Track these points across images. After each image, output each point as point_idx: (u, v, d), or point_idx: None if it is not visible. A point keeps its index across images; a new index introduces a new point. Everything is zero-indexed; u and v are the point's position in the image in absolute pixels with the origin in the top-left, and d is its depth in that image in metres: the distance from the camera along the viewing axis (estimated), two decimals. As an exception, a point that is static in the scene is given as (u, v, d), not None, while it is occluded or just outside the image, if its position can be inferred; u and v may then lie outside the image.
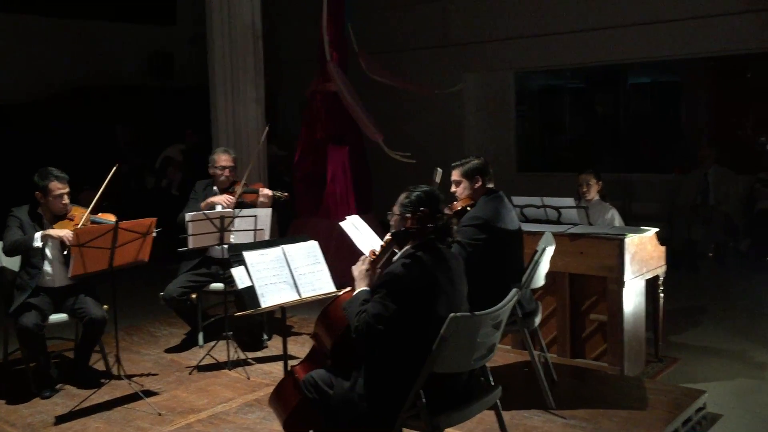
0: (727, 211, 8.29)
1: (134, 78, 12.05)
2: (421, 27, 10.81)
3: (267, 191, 5.53)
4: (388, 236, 3.23)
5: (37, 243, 4.57)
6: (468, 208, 4.20)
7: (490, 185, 4.27)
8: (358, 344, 3.03)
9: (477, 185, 4.23)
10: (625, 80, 11.16)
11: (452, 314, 2.85)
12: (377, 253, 3.25)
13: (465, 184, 4.25)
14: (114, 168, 4.81)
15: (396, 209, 3.21)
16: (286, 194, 5.62)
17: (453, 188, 4.32)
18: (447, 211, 4.25)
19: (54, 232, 4.59)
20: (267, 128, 5.86)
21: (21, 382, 4.75)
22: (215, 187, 5.65)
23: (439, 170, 4.29)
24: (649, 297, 5.13)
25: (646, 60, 9.83)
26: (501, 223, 4.12)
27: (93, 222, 4.69)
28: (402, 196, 3.22)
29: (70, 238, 4.49)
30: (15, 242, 4.60)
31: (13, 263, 4.85)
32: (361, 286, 3.17)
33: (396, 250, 3.23)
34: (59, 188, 4.68)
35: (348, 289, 3.33)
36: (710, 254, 8.34)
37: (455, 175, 4.30)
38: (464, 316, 2.90)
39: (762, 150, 8.57)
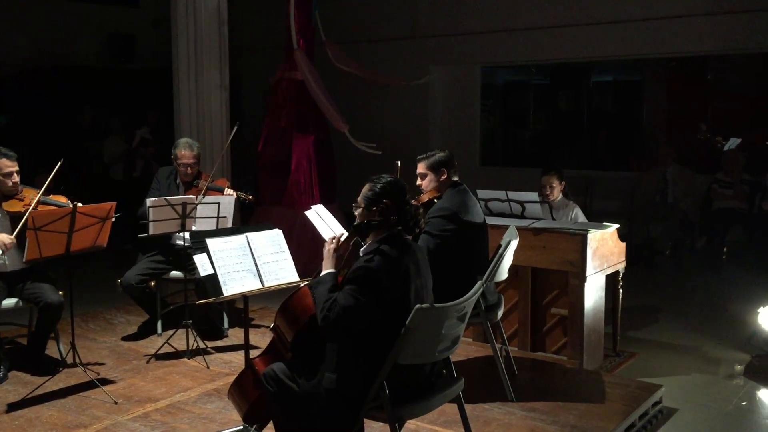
0: (685, 210, 8.45)
1: (94, 59, 11.78)
2: (388, 18, 10.77)
3: (231, 192, 5.44)
4: (341, 235, 3.19)
5: None
6: (435, 200, 4.20)
7: (455, 178, 4.28)
8: (324, 333, 2.98)
9: (443, 178, 4.23)
10: (589, 78, 11.29)
11: (417, 305, 2.84)
12: (342, 240, 3.20)
13: (431, 176, 4.25)
14: (59, 162, 4.63)
15: (361, 201, 3.17)
16: (251, 197, 5.55)
17: (419, 181, 4.31)
18: (413, 203, 4.27)
19: None
20: (236, 127, 5.75)
21: (-29, 368, 4.62)
22: (178, 180, 5.54)
23: (398, 163, 4.36)
24: (609, 292, 5.20)
25: (610, 58, 9.96)
26: (468, 216, 4.13)
27: (44, 203, 4.55)
28: (366, 188, 3.17)
29: (7, 244, 4.37)
30: None
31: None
32: (327, 268, 3.12)
33: (361, 242, 3.19)
34: (8, 166, 4.53)
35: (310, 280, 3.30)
36: (667, 251, 8.50)
37: (421, 167, 4.28)
38: (429, 307, 2.89)
39: (720, 150, 8.75)
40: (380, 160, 7.68)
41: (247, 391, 3.34)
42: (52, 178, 4.58)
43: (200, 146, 5.71)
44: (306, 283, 3.28)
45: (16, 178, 4.59)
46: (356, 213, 3.19)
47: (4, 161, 4.53)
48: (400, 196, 3.12)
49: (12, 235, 4.39)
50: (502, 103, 11.99)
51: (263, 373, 3.14)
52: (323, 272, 3.11)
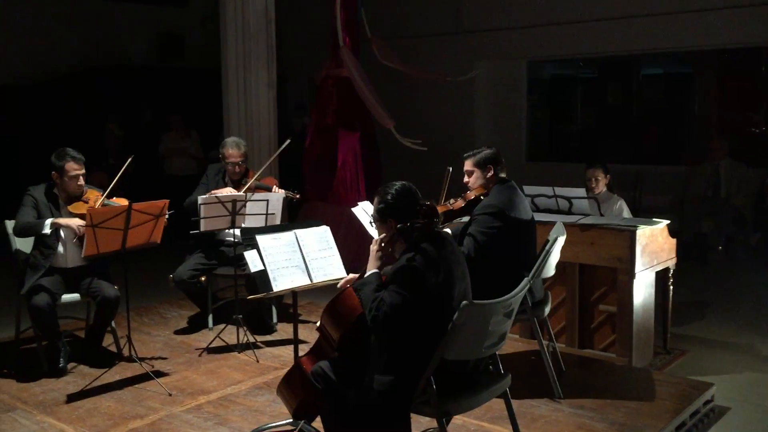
0: (738, 205, 8.26)
1: (144, 59, 12.03)
2: (434, 14, 10.77)
3: (280, 190, 5.52)
4: (385, 236, 3.20)
5: (46, 230, 4.57)
6: (481, 197, 4.20)
7: (503, 174, 4.27)
8: (374, 332, 3.02)
9: (489, 174, 4.23)
10: (638, 71, 11.10)
11: (464, 302, 2.86)
12: (385, 242, 3.23)
13: (477, 173, 4.25)
14: (129, 159, 4.83)
15: (375, 215, 3.21)
16: (297, 195, 5.62)
17: (465, 179, 4.32)
18: (459, 201, 4.29)
19: (64, 221, 4.61)
20: (288, 142, 5.84)
21: (33, 360, 4.80)
22: (227, 179, 5.65)
23: (449, 169, 4.40)
24: (659, 289, 5.13)
25: (659, 51, 9.78)
26: (515, 212, 4.12)
27: (106, 206, 4.70)
28: (376, 201, 3.21)
29: (81, 228, 4.51)
30: (25, 225, 4.62)
31: (26, 244, 4.87)
32: (371, 268, 3.17)
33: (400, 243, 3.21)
34: (75, 169, 4.69)
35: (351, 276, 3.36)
36: (720, 247, 8.33)
37: (468, 165, 4.29)
38: (476, 303, 2.91)
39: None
40: (425, 157, 7.72)
41: (296, 389, 3.40)
42: (119, 177, 4.74)
43: (247, 145, 5.81)
44: (350, 284, 3.32)
45: (82, 181, 4.75)
46: (375, 227, 3.23)
47: (72, 164, 4.68)
48: (416, 198, 3.17)
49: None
50: (548, 98, 11.87)
51: (312, 370, 3.19)
52: (367, 273, 3.16)
